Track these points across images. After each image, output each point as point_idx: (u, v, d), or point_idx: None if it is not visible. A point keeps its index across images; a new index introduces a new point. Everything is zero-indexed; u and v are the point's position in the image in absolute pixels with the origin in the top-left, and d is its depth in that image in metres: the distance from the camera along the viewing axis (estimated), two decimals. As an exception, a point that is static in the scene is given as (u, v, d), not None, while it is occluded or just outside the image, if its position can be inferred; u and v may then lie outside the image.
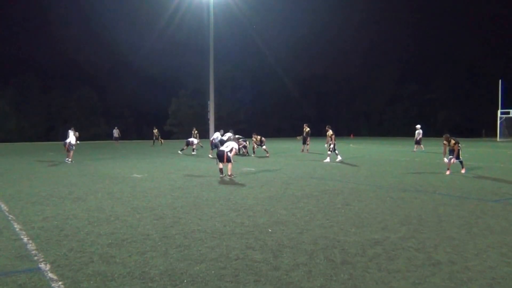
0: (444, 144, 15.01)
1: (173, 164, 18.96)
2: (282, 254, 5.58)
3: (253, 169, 16.48)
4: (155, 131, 37.96)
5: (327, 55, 73.59)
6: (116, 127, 41.66)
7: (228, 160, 13.76)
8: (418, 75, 69.18)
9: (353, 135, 60.00)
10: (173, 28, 58.30)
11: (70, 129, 20.95)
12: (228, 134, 26.10)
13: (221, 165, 13.93)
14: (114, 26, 64.80)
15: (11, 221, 7.49)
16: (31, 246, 5.97)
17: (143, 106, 65.25)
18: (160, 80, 64.96)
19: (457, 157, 14.74)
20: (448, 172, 14.61)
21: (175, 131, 64.18)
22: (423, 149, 27.53)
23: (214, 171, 15.06)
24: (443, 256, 5.51)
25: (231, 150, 14.01)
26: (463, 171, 14.92)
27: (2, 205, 8.96)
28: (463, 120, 63.22)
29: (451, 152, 14.81)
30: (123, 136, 43.76)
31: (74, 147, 20.18)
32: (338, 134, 66.81)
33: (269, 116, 70.96)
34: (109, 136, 44.66)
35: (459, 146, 14.71)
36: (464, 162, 15.31)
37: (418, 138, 27.95)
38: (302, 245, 6.00)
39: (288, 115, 70.73)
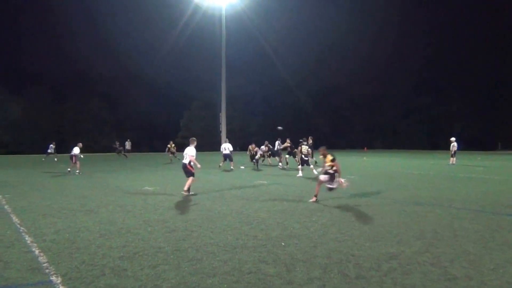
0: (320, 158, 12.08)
1: (184, 176, 18.90)
2: (296, 268, 5.50)
3: (265, 182, 16.40)
4: (172, 145, 33.60)
5: (340, 69, 73.54)
6: (128, 140, 41.95)
7: (190, 174, 12.56)
8: (433, 87, 68.69)
9: (366, 148, 59.60)
10: (185, 41, 58.90)
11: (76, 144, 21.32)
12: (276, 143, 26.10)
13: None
14: (126, 39, 65.68)
15: (23, 234, 7.50)
16: (42, 258, 5.96)
17: (155, 118, 65.69)
18: (172, 93, 65.44)
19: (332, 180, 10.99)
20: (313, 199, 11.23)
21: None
22: (455, 162, 26.85)
23: (226, 184, 15.01)
24: (459, 271, 5.41)
25: (189, 162, 12.63)
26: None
27: (14, 218, 8.99)
28: (479, 132, 62.58)
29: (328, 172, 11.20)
30: (134, 149, 43.94)
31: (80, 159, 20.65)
32: (352, 147, 66.34)
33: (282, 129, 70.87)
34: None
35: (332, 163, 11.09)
36: (473, 176, 14.97)
37: (453, 151, 27.40)
38: (315, 259, 5.91)
39: (301, 128, 70.49)
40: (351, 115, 76.52)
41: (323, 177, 11.06)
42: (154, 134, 63.95)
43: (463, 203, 11.02)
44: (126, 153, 37.85)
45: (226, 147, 23.43)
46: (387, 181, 16.68)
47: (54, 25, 59.58)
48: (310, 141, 26.91)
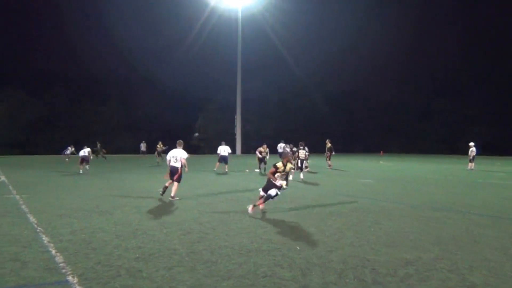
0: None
1: (199, 179, 18.99)
2: (311, 273, 5.45)
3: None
4: (160, 146, 32.51)
5: (357, 72, 72.85)
6: (143, 141, 42.23)
7: (179, 179, 12.22)
8: (451, 91, 67.74)
9: (383, 152, 59.10)
10: (201, 43, 59.06)
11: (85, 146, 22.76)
12: (282, 145, 25.89)
13: (168, 183, 12.37)
14: (142, 41, 65.79)
15: (40, 234, 7.57)
16: (59, 258, 6.00)
17: (170, 120, 65.89)
18: (187, 95, 65.61)
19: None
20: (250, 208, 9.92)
21: (202, 146, 64.63)
22: (473, 168, 26.42)
23: (240, 186, 14.99)
24: (478, 278, 5.31)
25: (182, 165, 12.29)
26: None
27: (31, 218, 9.09)
28: (499, 137, 61.48)
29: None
30: (150, 151, 44.21)
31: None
32: (368, 150, 65.92)
33: (297, 132, 70.68)
34: (135, 150, 45.17)
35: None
36: (493, 182, 14.77)
37: (471, 156, 26.97)
38: (331, 263, 5.86)
39: (316, 131, 70.25)
40: (367, 118, 75.93)
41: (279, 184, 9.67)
42: (169, 136, 64.04)
43: (482, 209, 10.85)
44: (105, 155, 37.34)
45: (225, 149, 23.18)
46: (403, 186, 16.50)
47: (71, 29, 59.98)
48: (329, 144, 26.70)
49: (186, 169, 12.67)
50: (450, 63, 70.48)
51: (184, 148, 12.67)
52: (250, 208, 9.79)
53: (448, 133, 66.33)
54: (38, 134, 56.62)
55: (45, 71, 58.62)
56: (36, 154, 45.27)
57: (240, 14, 50.71)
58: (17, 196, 12.46)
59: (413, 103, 71.63)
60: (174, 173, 12.23)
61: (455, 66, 69.79)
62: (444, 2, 71.71)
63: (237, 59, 53.14)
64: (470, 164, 26.76)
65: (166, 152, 37.04)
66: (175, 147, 12.65)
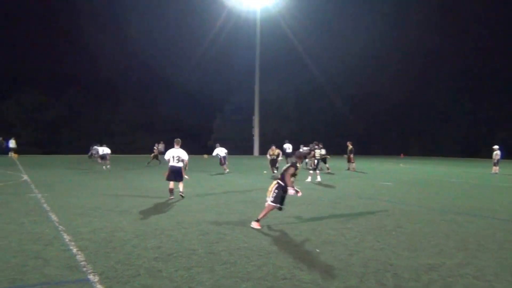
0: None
1: (216, 179, 19.01)
2: (331, 276, 5.39)
3: (298, 186, 16.22)
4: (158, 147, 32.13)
5: (377, 72, 71.77)
6: (161, 142, 42.55)
7: (182, 178, 12.43)
8: (474, 92, 66.24)
9: (403, 155, 58.39)
10: (219, 44, 59.22)
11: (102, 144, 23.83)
12: (289, 145, 25.89)
13: (171, 185, 12.38)
14: (159, 42, 66.17)
15: (61, 232, 7.64)
16: (80, 257, 6.05)
17: (188, 121, 66.16)
18: (204, 95, 65.85)
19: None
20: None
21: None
22: (497, 172, 25.74)
23: (257, 188, 14.95)
24: (505, 285, 5.19)
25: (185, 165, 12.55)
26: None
27: (53, 216, 9.19)
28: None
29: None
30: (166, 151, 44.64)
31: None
32: (387, 153, 65.20)
33: (315, 133, 70.28)
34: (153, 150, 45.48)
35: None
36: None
37: (496, 160, 26.35)
38: (352, 267, 5.77)
39: (335, 133, 69.81)
40: (387, 120, 75.06)
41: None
42: (187, 136, 64.15)
43: (507, 214, 10.60)
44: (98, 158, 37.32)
45: (223, 150, 23.71)
46: (424, 189, 16.24)
47: (88, 31, 60.54)
48: (350, 146, 26.35)
49: (187, 167, 12.95)
50: (472, 64, 69.08)
51: (187, 149, 12.79)
52: (255, 224, 8.33)
53: (471, 136, 65.02)
54: (58, 134, 57.63)
55: (63, 73, 59.67)
56: (57, 154, 45.97)
57: (259, 15, 50.68)
58: (39, 195, 12.63)
59: (434, 105, 70.47)
60: (176, 173, 12.33)
61: (477, 67, 68.36)
62: (466, 2, 70.39)
63: (255, 60, 53.10)
64: (494, 167, 26.16)
65: (163, 153, 37.42)
66: (180, 147, 12.63)
